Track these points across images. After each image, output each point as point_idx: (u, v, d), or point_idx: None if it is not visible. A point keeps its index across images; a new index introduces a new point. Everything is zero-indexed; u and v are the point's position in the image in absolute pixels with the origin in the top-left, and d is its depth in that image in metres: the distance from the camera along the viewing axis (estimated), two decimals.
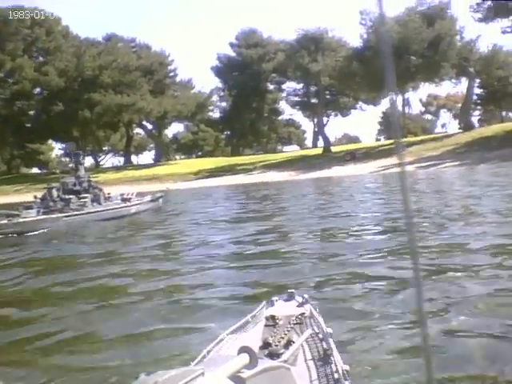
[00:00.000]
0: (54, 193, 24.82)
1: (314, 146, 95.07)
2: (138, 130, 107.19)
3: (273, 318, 3.02)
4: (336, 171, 60.83)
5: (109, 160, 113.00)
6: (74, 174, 26.87)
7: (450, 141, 65.03)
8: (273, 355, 2.58)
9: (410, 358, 4.55)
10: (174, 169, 79.03)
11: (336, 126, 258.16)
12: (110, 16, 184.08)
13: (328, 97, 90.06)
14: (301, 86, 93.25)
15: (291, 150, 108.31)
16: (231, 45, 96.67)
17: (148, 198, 28.16)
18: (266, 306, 3.26)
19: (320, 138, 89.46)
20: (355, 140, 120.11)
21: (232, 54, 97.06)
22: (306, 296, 3.39)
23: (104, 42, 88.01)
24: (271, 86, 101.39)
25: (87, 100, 78.44)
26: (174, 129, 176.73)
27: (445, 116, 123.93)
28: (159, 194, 30.28)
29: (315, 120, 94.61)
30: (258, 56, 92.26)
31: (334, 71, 74.72)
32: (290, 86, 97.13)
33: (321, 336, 2.83)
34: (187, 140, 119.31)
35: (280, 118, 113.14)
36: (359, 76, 70.79)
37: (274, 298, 3.41)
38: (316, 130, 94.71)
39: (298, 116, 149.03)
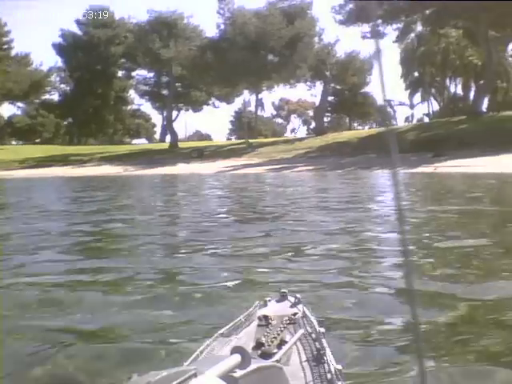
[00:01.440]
0: None
1: (162, 140, 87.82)
2: None
3: (265, 318, 2.82)
4: (180, 168, 54.50)
5: None
6: None
7: (302, 144, 61.02)
8: (265, 355, 2.42)
9: None
10: None
11: (189, 122, 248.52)
12: None
13: (180, 89, 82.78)
14: (152, 74, 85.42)
15: (140, 143, 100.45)
16: (77, 22, 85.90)
17: None
18: (258, 307, 3.03)
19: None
20: (206, 138, 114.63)
21: (78, 32, 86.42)
22: (298, 296, 3.11)
23: None
24: (120, 73, 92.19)
25: None
26: (12, 111, 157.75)
27: (295, 121, 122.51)
28: None
29: (164, 113, 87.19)
30: (107, 38, 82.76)
31: (186, 60, 67.80)
32: (140, 73, 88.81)
33: (314, 336, 2.67)
34: (23, 124, 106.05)
35: (128, 108, 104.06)
36: (213, 68, 64.80)
37: (267, 299, 3.13)
38: (165, 123, 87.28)
39: (147, 108, 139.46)
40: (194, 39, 70.78)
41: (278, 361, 2.35)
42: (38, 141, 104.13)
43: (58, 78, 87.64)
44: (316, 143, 59.49)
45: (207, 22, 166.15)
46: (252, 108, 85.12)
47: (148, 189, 29.63)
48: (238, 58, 61.80)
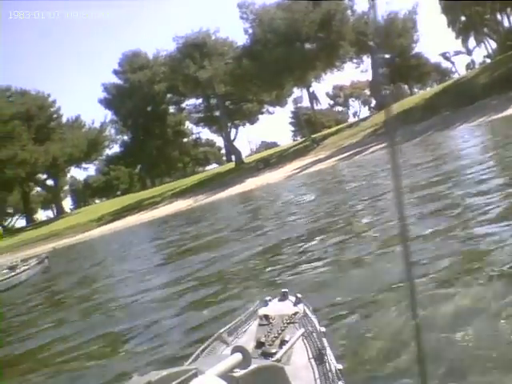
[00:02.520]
0: None
1: (229, 160, 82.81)
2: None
3: (266, 317, 2.84)
4: (249, 184, 49.33)
5: (19, 221, 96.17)
6: None
7: (367, 124, 54.07)
8: (266, 354, 2.44)
9: None
10: (75, 219, 65.32)
11: (253, 136, 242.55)
12: None
13: (230, 107, 77.57)
14: (200, 100, 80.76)
15: (211, 169, 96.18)
16: (115, 72, 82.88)
17: (34, 261, 24.45)
18: (259, 306, 3.03)
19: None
20: (273, 146, 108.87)
21: (118, 81, 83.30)
22: (299, 295, 3.08)
23: None
24: (171, 108, 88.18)
25: None
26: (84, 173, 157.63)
27: (354, 104, 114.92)
28: (44, 254, 26.35)
29: (223, 134, 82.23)
30: (147, 78, 78.92)
31: (226, 76, 62.35)
32: (189, 103, 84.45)
33: (314, 335, 2.65)
34: (99, 182, 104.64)
35: (190, 138, 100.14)
36: (253, 75, 59.08)
37: (268, 298, 3.10)
38: (226, 143, 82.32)
39: (208, 134, 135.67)
40: (227, 52, 65.40)
41: (278, 360, 2.27)
42: (118, 193, 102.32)
43: (113, 131, 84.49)
44: (381, 118, 52.15)
45: (234, 31, 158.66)
46: (307, 103, 78.80)
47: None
48: (276, 57, 55.91)
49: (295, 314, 2.79)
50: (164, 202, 59.92)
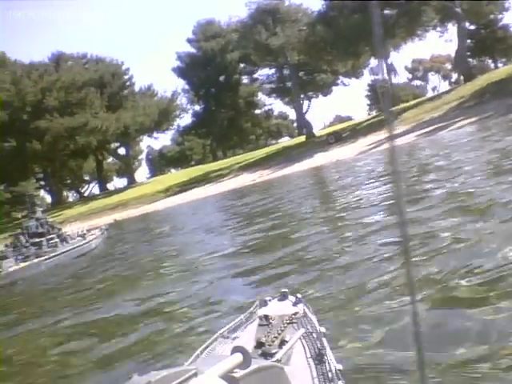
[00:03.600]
0: (22, 239, 23.07)
1: (301, 134, 77.48)
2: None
3: (266, 317, 2.74)
4: (318, 159, 44.64)
5: (95, 188, 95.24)
6: (32, 217, 24.70)
7: (451, 96, 47.13)
8: (266, 355, 2.38)
9: None
10: (144, 189, 63.02)
11: (327, 109, 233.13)
12: (58, 36, 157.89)
13: (304, 77, 71.95)
14: (273, 71, 75.57)
15: (283, 141, 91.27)
16: (189, 40, 79.08)
17: (97, 231, 26.94)
18: (259, 306, 2.94)
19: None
20: (347, 120, 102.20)
21: (192, 50, 79.27)
22: (299, 296, 2.98)
23: (51, 63, 71.13)
24: (244, 79, 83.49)
25: (34, 129, 61.90)
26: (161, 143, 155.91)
27: (433, 79, 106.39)
28: (104, 226, 29.02)
29: (295, 105, 76.75)
30: (220, 47, 74.54)
31: (299, 44, 56.82)
32: (261, 73, 79.52)
33: (314, 335, 2.57)
34: (173, 152, 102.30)
35: (262, 110, 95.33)
36: (328, 42, 53.33)
37: (268, 298, 3.00)
38: (298, 115, 76.89)
39: (281, 106, 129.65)
40: (300, 19, 59.70)
41: (278, 360, 2.22)
42: (193, 163, 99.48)
43: (184, 100, 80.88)
44: (468, 90, 45.38)
45: None
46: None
47: None
48: (352, 24, 49.94)
49: (295, 314, 2.68)
50: (230, 175, 56.22)
